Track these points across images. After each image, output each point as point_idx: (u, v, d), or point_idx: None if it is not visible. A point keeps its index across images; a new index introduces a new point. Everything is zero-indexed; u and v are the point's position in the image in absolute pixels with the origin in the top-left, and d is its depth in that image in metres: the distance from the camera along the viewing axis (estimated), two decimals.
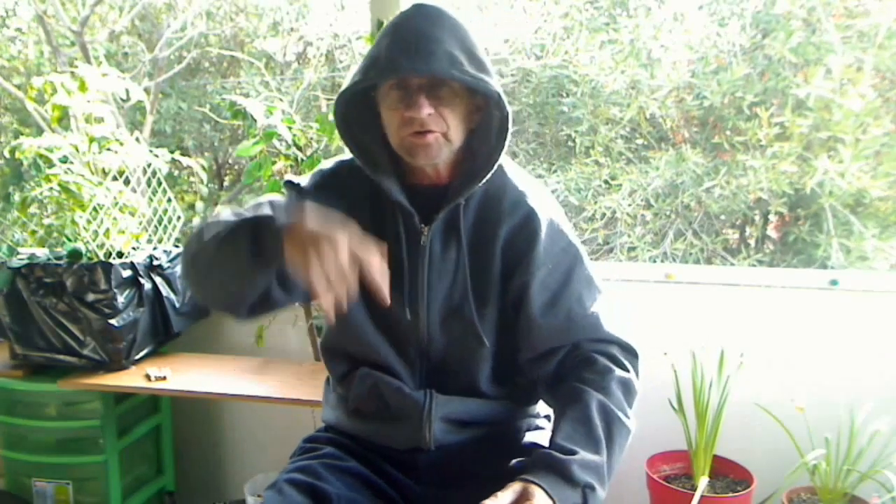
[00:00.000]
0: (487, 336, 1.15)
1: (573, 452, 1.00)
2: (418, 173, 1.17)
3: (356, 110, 1.14)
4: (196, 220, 2.10)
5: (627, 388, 1.10)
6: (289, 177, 1.24)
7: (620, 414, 1.07)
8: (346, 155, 1.25)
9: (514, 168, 1.22)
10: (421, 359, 1.18)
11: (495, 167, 1.13)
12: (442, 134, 1.08)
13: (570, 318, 1.13)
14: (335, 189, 1.19)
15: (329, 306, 0.91)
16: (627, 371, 1.12)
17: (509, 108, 1.09)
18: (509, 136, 1.11)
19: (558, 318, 1.12)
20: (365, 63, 1.10)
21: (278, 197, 1.13)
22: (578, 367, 1.12)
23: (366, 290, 1.17)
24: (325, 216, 0.94)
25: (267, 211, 1.03)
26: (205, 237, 1.06)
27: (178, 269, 1.04)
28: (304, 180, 1.22)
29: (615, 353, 1.13)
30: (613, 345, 1.14)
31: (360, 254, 0.91)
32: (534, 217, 1.15)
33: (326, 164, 1.26)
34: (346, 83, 1.11)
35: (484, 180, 1.13)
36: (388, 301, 0.96)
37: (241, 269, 1.02)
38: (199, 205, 2.19)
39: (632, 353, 1.15)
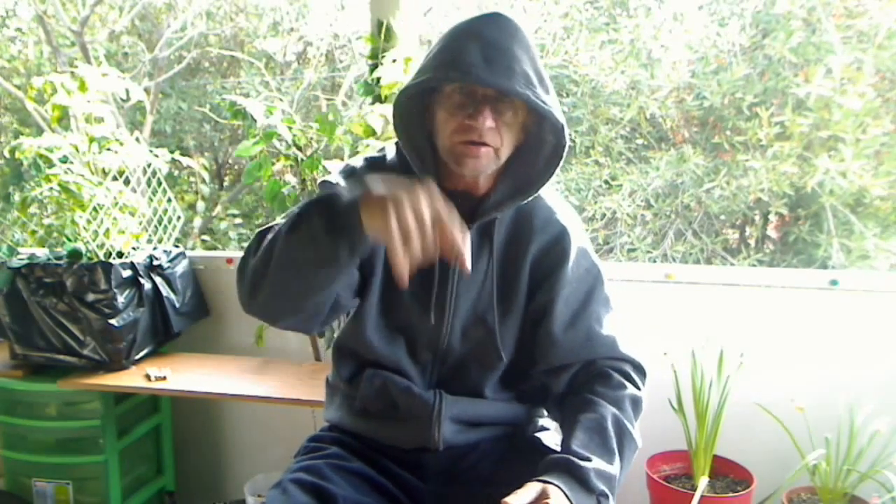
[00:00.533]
0: (505, 348, 1.16)
1: (589, 460, 1.02)
2: (455, 178, 1.15)
3: (406, 105, 1.12)
4: (197, 221, 2.10)
5: (637, 406, 1.14)
6: (322, 178, 1.21)
7: (631, 429, 1.10)
8: (371, 152, 1.24)
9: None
10: (434, 363, 1.18)
11: (540, 190, 1.14)
12: (495, 150, 1.08)
13: (590, 336, 1.15)
14: None
15: (403, 269, 0.86)
16: (638, 389, 1.15)
17: (568, 140, 1.09)
18: (561, 164, 1.11)
19: (578, 336, 1.15)
20: (435, 61, 1.07)
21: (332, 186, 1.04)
22: (593, 381, 1.14)
23: (385, 291, 1.16)
24: (399, 180, 0.90)
25: (331, 190, 0.98)
26: (264, 242, 1.02)
27: (238, 296, 1.00)
28: (338, 178, 1.18)
29: (629, 371, 1.16)
30: (627, 363, 1.17)
31: (443, 212, 0.87)
32: (565, 236, 1.16)
33: (354, 161, 1.23)
34: (413, 79, 1.08)
35: (526, 200, 1.13)
36: (469, 270, 0.90)
37: (317, 253, 0.95)
38: (200, 204, 2.19)
39: (642, 373, 1.18)
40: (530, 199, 1.14)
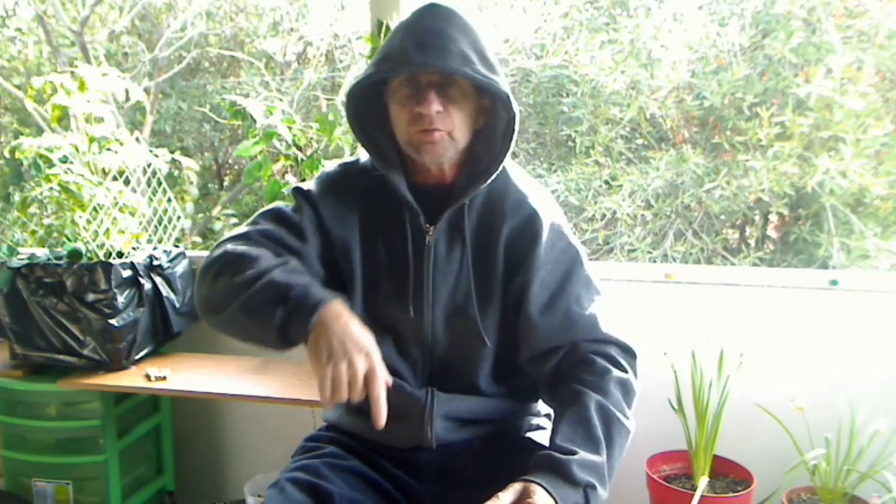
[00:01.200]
0: (489, 335, 1.17)
1: (573, 452, 1.01)
2: (423, 172, 1.18)
3: (366, 105, 1.15)
4: (187, 223, 2.08)
5: (626, 389, 1.11)
6: (296, 184, 1.24)
7: (619, 414, 1.07)
8: (348, 157, 1.26)
9: (515, 169, 1.23)
10: (424, 358, 1.19)
11: (500, 169, 1.14)
12: (448, 133, 1.09)
13: (569, 317, 1.13)
14: (342, 190, 1.20)
15: (325, 401, 0.97)
16: (626, 371, 1.12)
17: (517, 110, 1.10)
18: (515, 139, 1.12)
19: (557, 317, 1.13)
20: (377, 57, 1.10)
21: (311, 281, 1.07)
22: (576, 369, 1.12)
23: (367, 290, 1.17)
24: (358, 329, 0.99)
25: (301, 289, 1.02)
26: (223, 278, 1.07)
27: (195, 296, 1.09)
28: (311, 185, 1.22)
29: (613, 354, 1.13)
30: (611, 345, 1.14)
31: (371, 384, 0.97)
32: (536, 218, 1.16)
33: (329, 166, 1.26)
34: (357, 77, 1.12)
35: (489, 181, 1.14)
36: (382, 425, 0.98)
37: (264, 340, 1.06)
38: (189, 206, 2.18)
39: (630, 354, 1.15)
40: (492, 179, 1.14)
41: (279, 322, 1.01)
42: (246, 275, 1.05)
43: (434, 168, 1.16)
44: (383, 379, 0.98)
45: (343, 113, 1.93)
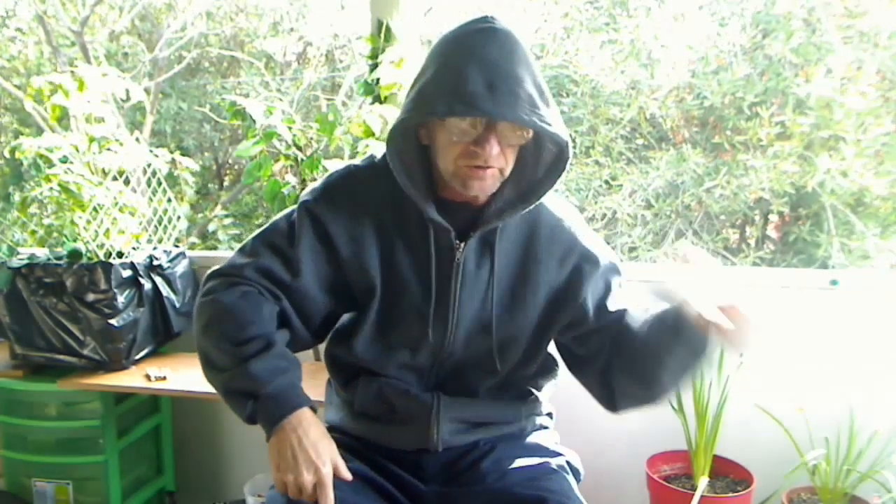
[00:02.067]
0: (502, 356, 1.16)
1: None
2: (453, 191, 1.11)
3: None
4: (182, 224, 2.06)
5: None
6: (304, 195, 1.17)
7: None
8: (357, 160, 1.23)
9: None
10: (433, 367, 1.18)
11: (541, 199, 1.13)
12: (499, 170, 1.06)
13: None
14: (352, 195, 1.15)
15: (280, 491, 1.05)
16: None
17: (571, 152, 1.08)
18: (564, 175, 1.10)
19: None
20: (437, 86, 1.03)
21: (285, 375, 1.08)
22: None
23: (384, 306, 1.15)
24: (314, 441, 1.04)
25: (272, 390, 1.05)
26: (212, 343, 1.09)
27: (194, 325, 1.12)
28: (319, 198, 1.14)
29: None
30: None
31: (319, 495, 1.03)
32: (576, 244, 1.17)
33: (335, 172, 1.20)
34: (427, 110, 1.04)
35: (528, 209, 1.12)
36: None
37: (238, 415, 1.10)
38: (185, 207, 2.16)
39: None
40: (532, 207, 1.12)
41: (248, 413, 1.06)
42: (232, 352, 1.07)
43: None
44: (330, 490, 1.03)
45: (344, 113, 1.91)
